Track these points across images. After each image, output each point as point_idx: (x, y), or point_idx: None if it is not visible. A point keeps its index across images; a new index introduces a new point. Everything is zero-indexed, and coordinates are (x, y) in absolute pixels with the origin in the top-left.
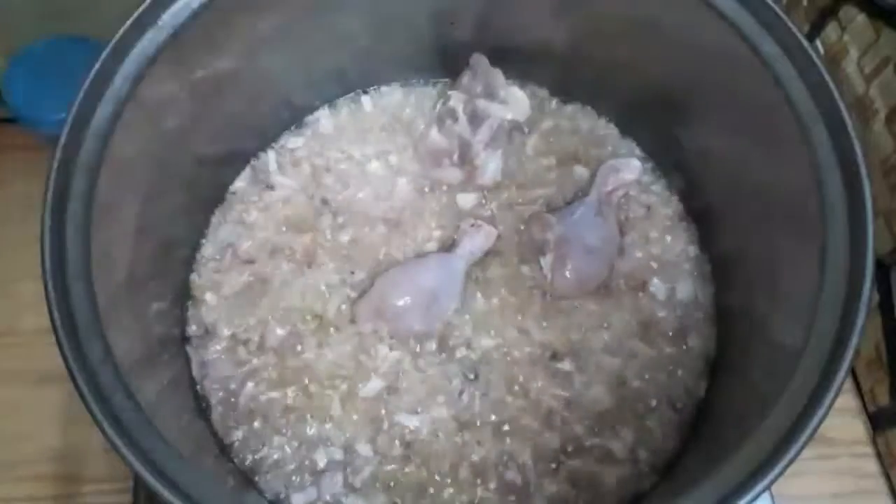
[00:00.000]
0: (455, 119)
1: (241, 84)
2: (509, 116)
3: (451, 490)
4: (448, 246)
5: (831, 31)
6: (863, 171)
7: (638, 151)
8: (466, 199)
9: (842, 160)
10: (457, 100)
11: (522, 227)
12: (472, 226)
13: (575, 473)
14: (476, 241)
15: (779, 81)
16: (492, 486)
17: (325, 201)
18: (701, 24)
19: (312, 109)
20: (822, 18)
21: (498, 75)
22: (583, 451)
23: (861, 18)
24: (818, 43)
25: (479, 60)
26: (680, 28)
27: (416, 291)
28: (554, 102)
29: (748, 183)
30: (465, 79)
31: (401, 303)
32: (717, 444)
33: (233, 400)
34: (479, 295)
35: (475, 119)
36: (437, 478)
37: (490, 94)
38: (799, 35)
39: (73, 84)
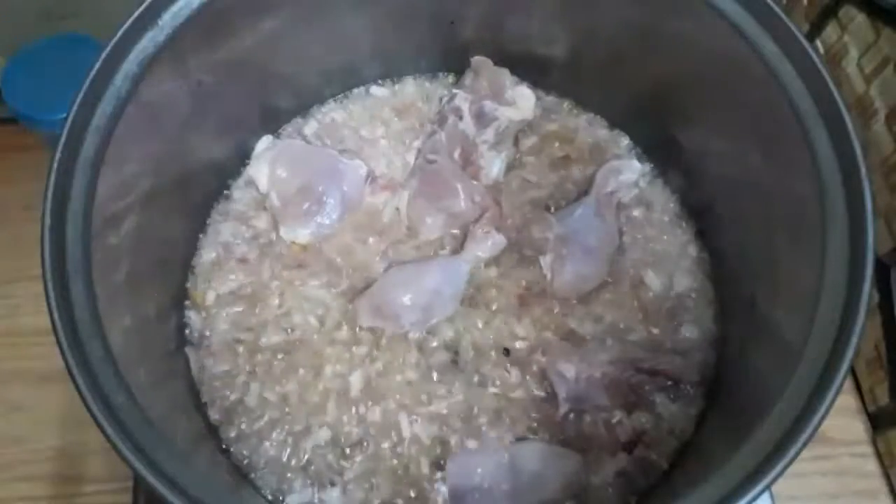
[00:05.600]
0: (460, 117)
1: (242, 84)
2: (518, 118)
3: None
4: (453, 248)
5: (831, 31)
6: (863, 171)
7: (638, 151)
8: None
9: (842, 160)
10: (462, 99)
11: (523, 227)
12: (483, 231)
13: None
14: (483, 247)
15: (779, 81)
16: None
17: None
18: (701, 24)
19: (312, 109)
20: (822, 18)
21: (505, 74)
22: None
23: (861, 18)
24: (818, 43)
25: (482, 62)
26: (680, 28)
27: (418, 292)
28: (554, 103)
29: (747, 183)
30: (468, 80)
31: (402, 302)
32: (717, 445)
33: (230, 398)
34: (477, 294)
35: (481, 118)
36: (429, 473)
37: (497, 94)
38: (799, 35)
39: (73, 84)
